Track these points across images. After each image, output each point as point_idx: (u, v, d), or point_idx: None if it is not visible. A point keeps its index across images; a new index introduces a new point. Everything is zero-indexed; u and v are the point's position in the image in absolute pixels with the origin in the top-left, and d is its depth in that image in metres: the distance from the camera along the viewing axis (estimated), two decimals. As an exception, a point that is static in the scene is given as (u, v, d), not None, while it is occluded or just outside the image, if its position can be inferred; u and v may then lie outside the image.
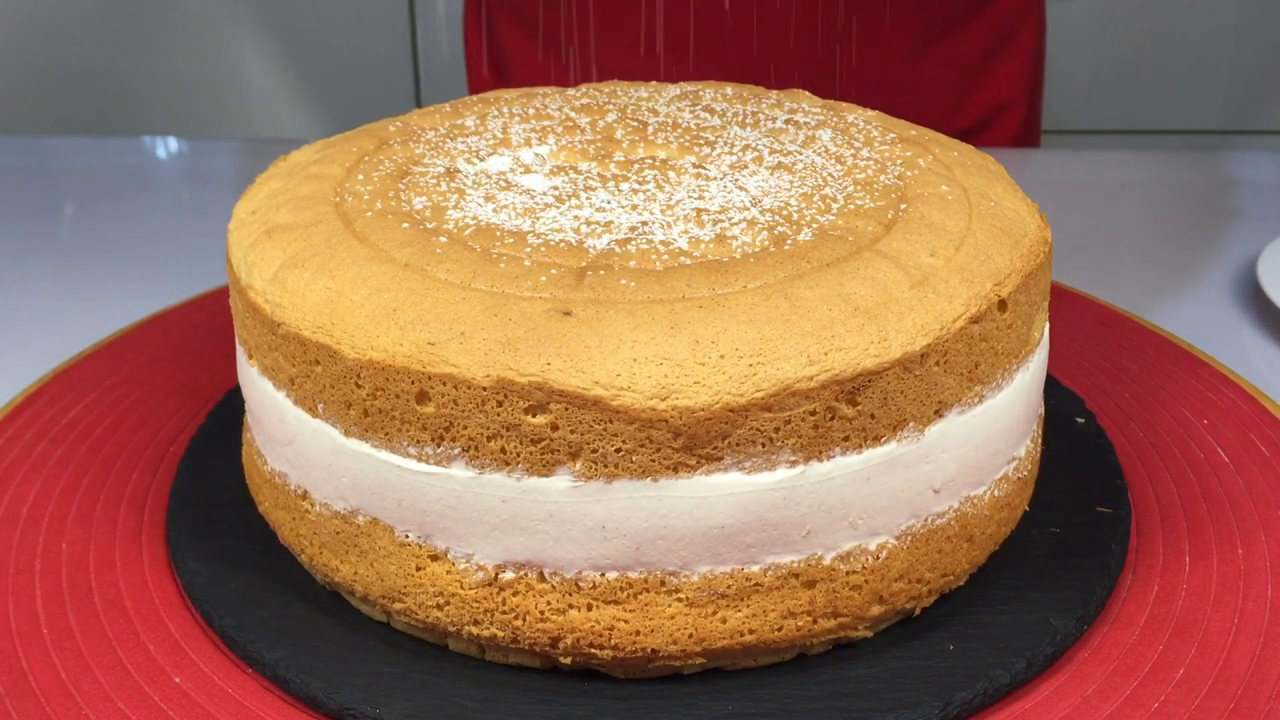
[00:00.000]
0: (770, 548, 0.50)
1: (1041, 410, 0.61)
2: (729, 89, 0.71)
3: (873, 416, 0.50)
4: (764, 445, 0.48)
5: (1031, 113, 1.23)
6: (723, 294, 0.50)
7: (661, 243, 0.54)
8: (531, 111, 0.68)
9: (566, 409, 0.48)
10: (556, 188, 0.59)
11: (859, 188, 0.58)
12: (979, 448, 0.54)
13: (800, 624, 0.52)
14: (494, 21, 1.20)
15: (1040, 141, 1.27)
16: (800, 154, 0.62)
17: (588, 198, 0.58)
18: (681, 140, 0.64)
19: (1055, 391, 0.70)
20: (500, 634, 0.52)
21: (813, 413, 0.49)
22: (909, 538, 0.53)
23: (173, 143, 1.24)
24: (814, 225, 0.55)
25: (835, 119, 0.66)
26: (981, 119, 1.18)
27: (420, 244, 0.54)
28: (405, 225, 0.55)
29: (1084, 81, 1.94)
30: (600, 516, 0.49)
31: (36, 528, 0.62)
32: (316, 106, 1.94)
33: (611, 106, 0.68)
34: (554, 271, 0.51)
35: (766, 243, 0.54)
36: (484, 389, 0.48)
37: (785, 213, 0.56)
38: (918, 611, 0.55)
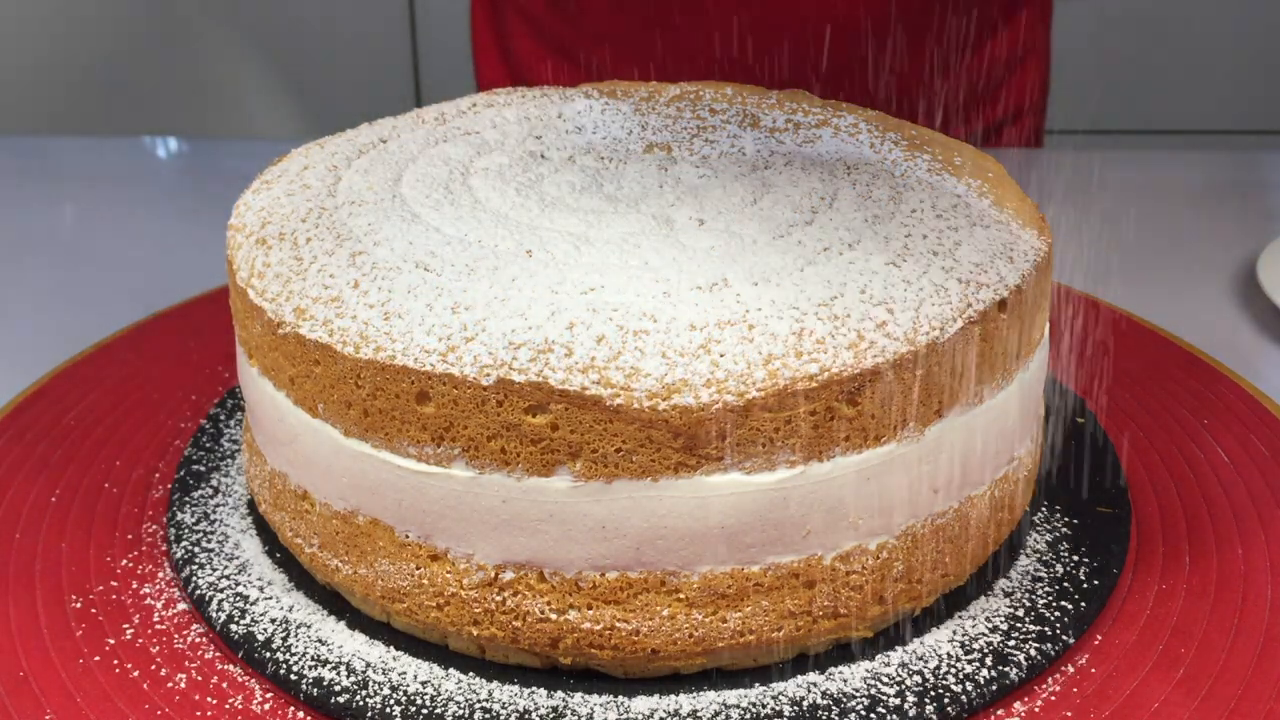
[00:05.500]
0: (770, 548, 0.50)
1: (1041, 410, 0.61)
2: (729, 89, 0.71)
3: (873, 416, 0.50)
4: (764, 445, 0.48)
5: (1039, 121, 1.23)
6: (721, 294, 0.50)
7: (661, 242, 0.54)
8: (532, 111, 0.68)
9: (566, 409, 0.48)
10: (557, 187, 0.59)
11: (858, 188, 0.58)
12: (979, 448, 0.54)
13: (800, 624, 0.52)
14: (507, 34, 1.19)
15: (1043, 141, 1.27)
16: (800, 153, 0.62)
17: (588, 197, 0.58)
18: (682, 140, 0.64)
19: (1055, 391, 0.70)
20: (500, 634, 0.52)
21: (813, 413, 0.49)
22: (909, 538, 0.53)
23: (173, 143, 1.24)
24: (813, 225, 0.55)
25: (835, 119, 0.66)
26: (992, 129, 1.19)
27: (420, 243, 0.54)
28: (405, 225, 0.55)
29: (1087, 82, 1.94)
30: (600, 516, 0.49)
31: (36, 528, 0.62)
32: (316, 106, 1.94)
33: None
34: (554, 271, 0.51)
35: (766, 242, 0.53)
36: (484, 389, 0.48)
37: (784, 213, 0.56)
38: (918, 611, 0.55)
